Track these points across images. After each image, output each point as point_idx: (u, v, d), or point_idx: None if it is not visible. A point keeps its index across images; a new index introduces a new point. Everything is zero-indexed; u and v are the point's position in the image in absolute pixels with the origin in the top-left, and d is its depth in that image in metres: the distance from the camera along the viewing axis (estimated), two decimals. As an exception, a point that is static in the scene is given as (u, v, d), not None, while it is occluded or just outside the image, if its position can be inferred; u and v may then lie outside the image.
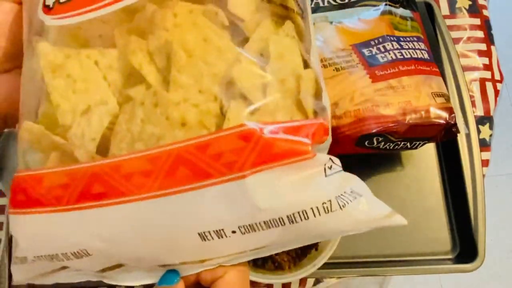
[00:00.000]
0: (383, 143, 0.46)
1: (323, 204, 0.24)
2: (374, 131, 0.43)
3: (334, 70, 0.45)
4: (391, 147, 0.47)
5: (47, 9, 0.28)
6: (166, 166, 0.23)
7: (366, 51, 0.46)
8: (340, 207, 0.24)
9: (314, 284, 0.53)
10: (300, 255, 0.46)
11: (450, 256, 0.51)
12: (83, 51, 0.27)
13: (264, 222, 0.24)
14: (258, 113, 0.25)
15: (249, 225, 0.24)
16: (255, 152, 0.23)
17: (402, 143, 0.47)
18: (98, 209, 0.24)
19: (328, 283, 0.54)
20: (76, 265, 0.27)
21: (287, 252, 0.45)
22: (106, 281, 0.28)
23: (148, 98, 0.26)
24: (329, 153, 0.46)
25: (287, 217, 0.24)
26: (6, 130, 0.57)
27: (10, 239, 0.54)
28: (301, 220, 0.24)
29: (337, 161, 0.26)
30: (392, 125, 0.43)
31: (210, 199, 0.23)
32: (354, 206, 0.24)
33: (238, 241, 0.25)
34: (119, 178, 0.24)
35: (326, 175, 0.25)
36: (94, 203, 0.24)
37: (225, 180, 0.23)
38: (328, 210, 0.24)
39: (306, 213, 0.24)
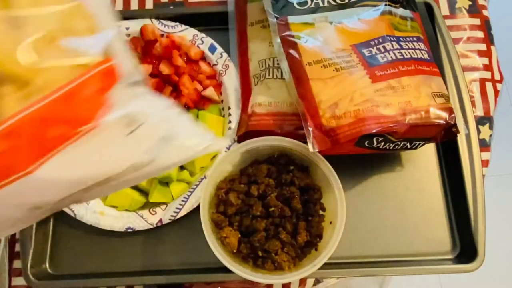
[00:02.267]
0: (383, 143, 0.46)
1: (127, 168, 0.22)
2: (374, 131, 0.43)
3: (334, 70, 0.45)
4: (391, 147, 0.47)
5: None
6: None
7: (366, 51, 0.46)
8: (150, 162, 0.22)
9: (314, 284, 0.53)
10: (300, 255, 0.46)
11: (450, 256, 0.51)
12: None
13: (79, 191, 0.22)
14: (31, 93, 0.21)
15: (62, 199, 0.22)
16: (30, 148, 0.20)
17: (402, 143, 0.47)
18: None
19: (328, 283, 0.54)
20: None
21: (287, 252, 0.45)
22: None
23: None
24: (329, 153, 0.46)
25: (97, 183, 0.22)
26: None
27: (10, 239, 0.54)
28: (114, 181, 0.22)
29: (141, 108, 0.23)
30: (392, 125, 0.43)
31: None
32: (164, 155, 0.23)
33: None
34: None
35: (126, 134, 0.22)
36: None
37: (5, 184, 0.20)
38: (138, 168, 0.22)
39: (116, 176, 0.22)
